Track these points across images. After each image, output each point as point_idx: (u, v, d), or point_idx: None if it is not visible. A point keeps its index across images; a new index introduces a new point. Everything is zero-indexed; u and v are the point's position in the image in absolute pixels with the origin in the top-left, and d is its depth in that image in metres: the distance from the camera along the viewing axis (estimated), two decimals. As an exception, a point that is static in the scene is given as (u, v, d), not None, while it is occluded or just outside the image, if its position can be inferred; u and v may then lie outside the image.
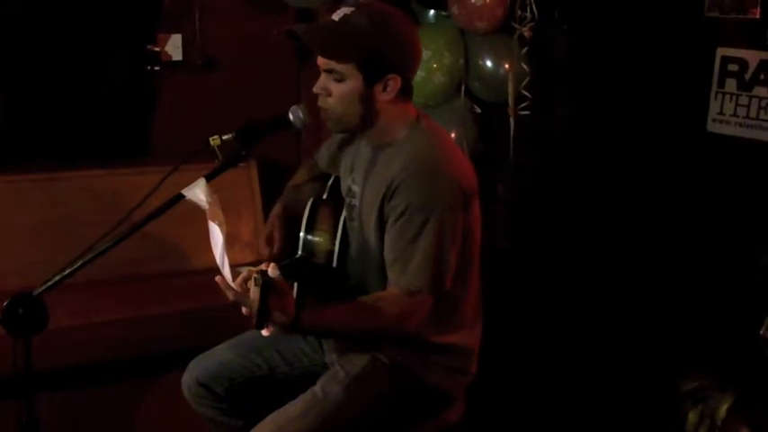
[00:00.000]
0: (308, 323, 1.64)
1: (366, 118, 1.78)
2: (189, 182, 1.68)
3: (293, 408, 1.81)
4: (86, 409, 2.44)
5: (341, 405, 1.80)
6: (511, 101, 2.82)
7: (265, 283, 1.49)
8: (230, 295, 1.57)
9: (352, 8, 1.74)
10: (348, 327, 1.73)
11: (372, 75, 1.74)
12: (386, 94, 1.76)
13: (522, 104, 2.85)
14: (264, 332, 1.57)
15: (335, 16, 1.75)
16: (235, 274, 1.68)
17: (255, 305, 1.49)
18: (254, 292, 1.50)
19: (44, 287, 1.54)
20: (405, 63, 1.77)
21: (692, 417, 2.54)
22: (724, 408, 2.48)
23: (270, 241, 1.96)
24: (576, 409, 2.78)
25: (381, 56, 1.72)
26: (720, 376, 2.54)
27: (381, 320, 1.74)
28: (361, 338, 1.84)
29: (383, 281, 1.80)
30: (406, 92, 1.80)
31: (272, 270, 1.54)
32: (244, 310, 1.59)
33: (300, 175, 2.15)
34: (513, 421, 2.76)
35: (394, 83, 1.75)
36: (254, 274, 1.51)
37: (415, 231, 1.72)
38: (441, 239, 1.72)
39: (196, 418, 2.06)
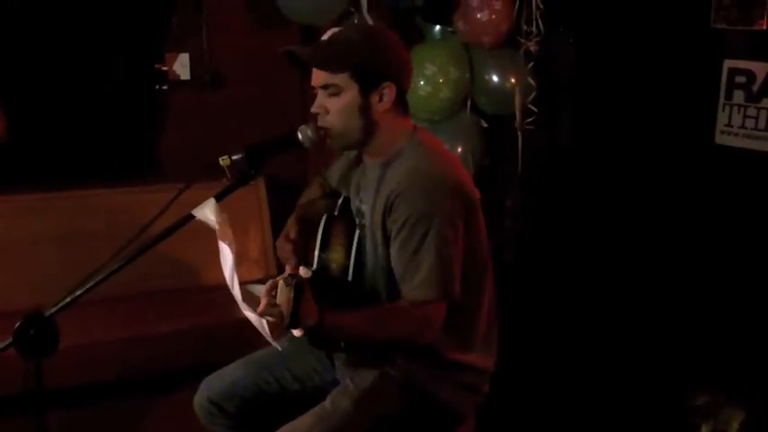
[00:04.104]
0: (329, 325, 1.66)
1: (367, 131, 1.80)
2: (196, 200, 1.69)
3: (302, 422, 1.80)
4: (97, 427, 2.43)
5: (350, 419, 1.80)
6: (518, 115, 2.82)
7: (299, 283, 1.54)
8: (249, 298, 1.59)
9: (340, 27, 1.82)
10: (367, 333, 1.74)
11: (367, 84, 1.77)
12: (382, 103, 1.79)
13: (529, 119, 2.85)
14: (296, 333, 1.60)
15: (325, 36, 1.81)
16: (244, 293, 1.68)
17: (288, 306, 1.54)
18: (285, 294, 1.54)
19: (56, 308, 1.53)
20: (397, 71, 1.81)
21: (704, 430, 2.52)
22: (736, 423, 2.46)
23: (288, 238, 1.97)
24: (588, 423, 2.76)
25: (374, 64, 1.77)
26: (732, 392, 2.53)
27: (398, 329, 1.75)
28: (379, 346, 1.83)
29: (396, 297, 1.80)
30: (402, 104, 1.84)
31: (303, 271, 1.58)
32: (266, 321, 1.60)
33: (311, 192, 2.16)
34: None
35: (389, 91, 1.78)
36: (284, 278, 1.55)
37: (417, 243, 1.73)
38: (443, 248, 1.73)
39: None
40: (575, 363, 2.93)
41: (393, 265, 1.78)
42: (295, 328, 1.59)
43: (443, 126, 2.92)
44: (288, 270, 1.62)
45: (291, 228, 1.98)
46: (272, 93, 3.19)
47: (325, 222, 1.92)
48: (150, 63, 2.98)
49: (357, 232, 1.91)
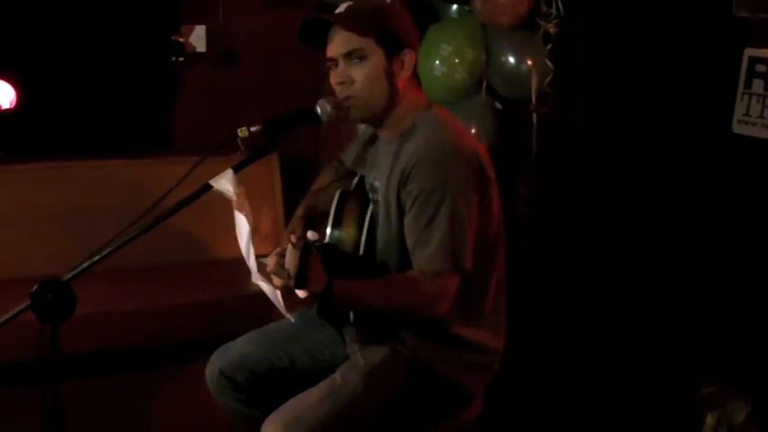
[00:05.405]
0: (338, 292, 1.67)
1: (390, 99, 1.82)
2: (208, 173, 1.69)
3: (311, 395, 1.81)
4: (107, 396, 2.44)
5: (358, 394, 1.81)
6: (534, 98, 2.80)
7: (306, 245, 1.58)
8: (264, 270, 1.61)
9: (351, 2, 1.84)
10: (376, 301, 1.75)
11: (391, 49, 1.81)
12: (404, 71, 1.83)
13: (545, 102, 2.83)
14: (301, 294, 1.63)
15: (341, 8, 1.83)
16: (259, 265, 1.69)
17: (295, 266, 1.57)
18: (293, 255, 1.58)
19: (73, 273, 1.54)
20: (413, 38, 1.87)
21: (709, 420, 2.52)
22: (742, 414, 2.46)
23: (298, 219, 2.01)
24: (594, 412, 2.77)
25: (394, 30, 1.82)
26: (739, 382, 2.53)
27: (408, 299, 1.76)
28: (388, 316, 1.83)
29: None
30: (417, 75, 1.88)
31: (311, 234, 1.61)
32: (275, 282, 1.62)
33: (324, 179, 2.16)
34: (530, 421, 2.75)
35: (410, 58, 1.83)
36: (292, 242, 1.59)
37: (431, 214, 1.74)
38: (456, 220, 1.74)
39: (218, 406, 2.06)
40: (583, 349, 2.93)
41: (406, 236, 1.79)
42: (301, 288, 1.61)
43: (457, 107, 2.90)
44: (294, 238, 1.64)
45: (298, 222, 2.02)
46: (289, 69, 3.18)
47: (339, 198, 1.93)
48: (166, 34, 2.97)
49: (370, 208, 1.91)
